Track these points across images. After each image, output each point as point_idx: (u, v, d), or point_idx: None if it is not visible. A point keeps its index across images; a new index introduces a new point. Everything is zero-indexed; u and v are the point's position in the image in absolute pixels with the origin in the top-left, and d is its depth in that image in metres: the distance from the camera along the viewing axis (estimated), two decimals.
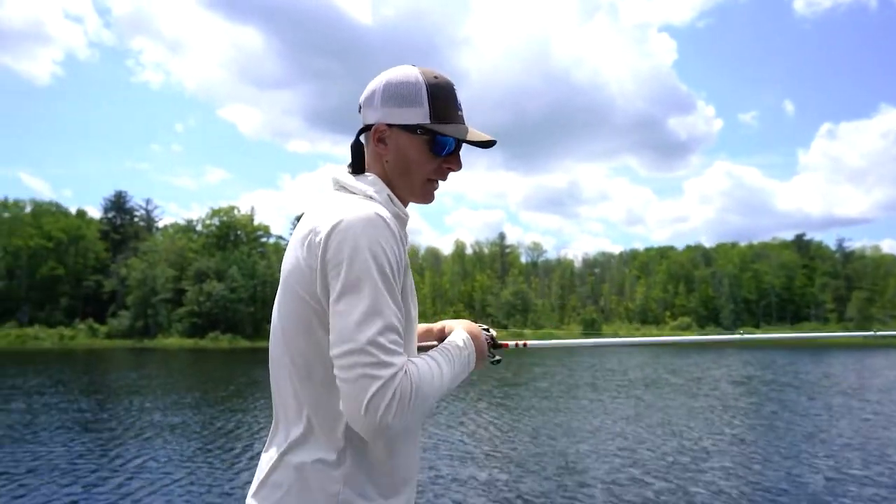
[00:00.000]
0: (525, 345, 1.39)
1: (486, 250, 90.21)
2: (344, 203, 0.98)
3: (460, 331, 1.14)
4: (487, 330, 1.27)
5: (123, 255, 61.17)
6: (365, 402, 0.86)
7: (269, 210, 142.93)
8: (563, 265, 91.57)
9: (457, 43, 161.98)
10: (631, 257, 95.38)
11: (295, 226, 1.10)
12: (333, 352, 0.91)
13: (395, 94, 1.07)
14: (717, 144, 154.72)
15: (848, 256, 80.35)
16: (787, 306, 78.42)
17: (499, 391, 16.65)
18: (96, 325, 55.57)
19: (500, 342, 1.29)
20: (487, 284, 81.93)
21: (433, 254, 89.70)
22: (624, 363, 30.23)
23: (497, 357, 1.27)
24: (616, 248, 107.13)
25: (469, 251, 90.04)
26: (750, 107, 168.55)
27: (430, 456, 8.32)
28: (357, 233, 0.92)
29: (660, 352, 42.31)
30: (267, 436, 1.08)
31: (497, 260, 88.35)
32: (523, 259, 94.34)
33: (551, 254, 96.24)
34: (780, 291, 78.19)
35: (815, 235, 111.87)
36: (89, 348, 47.84)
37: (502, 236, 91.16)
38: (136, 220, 70.60)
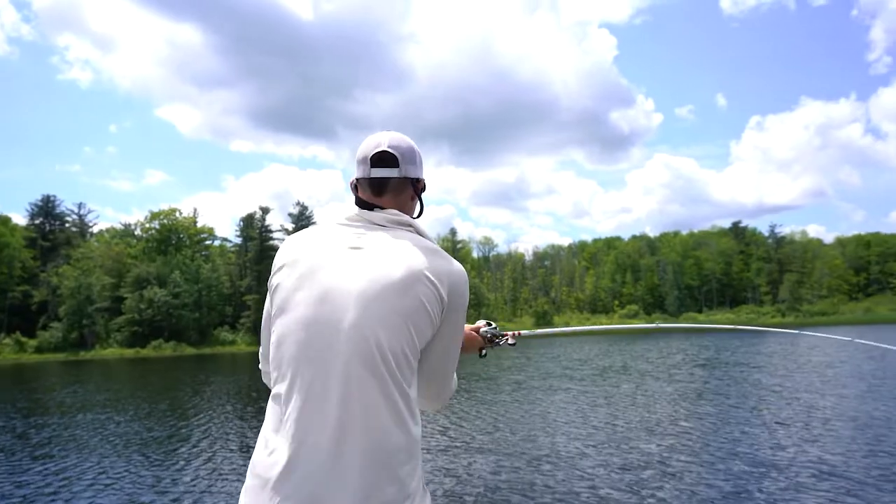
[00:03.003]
0: (520, 334, 1.75)
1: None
2: (440, 252, 1.25)
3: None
4: (490, 324, 1.66)
5: (54, 263, 57.38)
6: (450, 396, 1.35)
7: (213, 212, 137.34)
8: (514, 259, 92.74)
9: (402, 39, 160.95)
10: (580, 249, 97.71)
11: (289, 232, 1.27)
12: (437, 365, 1.24)
13: (422, 158, 1.37)
14: (657, 137, 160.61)
15: (779, 242, 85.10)
16: (727, 291, 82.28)
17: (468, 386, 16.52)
18: (24, 339, 51.75)
19: (502, 332, 1.67)
20: None
21: None
22: (585, 352, 30.82)
23: (484, 352, 1.62)
24: (565, 241, 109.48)
25: None
26: (686, 101, 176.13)
27: None
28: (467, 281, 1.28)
29: (613, 339, 43.42)
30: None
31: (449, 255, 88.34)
32: (475, 254, 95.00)
33: (502, 248, 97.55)
34: (720, 277, 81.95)
35: (749, 222, 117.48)
36: (16, 363, 44.78)
37: (453, 232, 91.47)
38: (67, 225, 66.43)
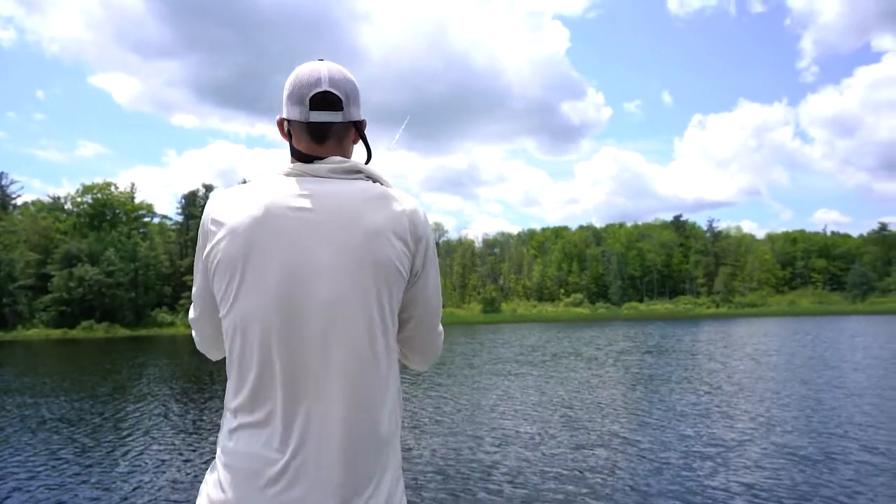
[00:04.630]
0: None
1: None
2: (401, 193, 1.18)
3: None
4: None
5: None
6: (442, 338, 1.27)
7: (152, 187, 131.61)
8: (464, 245, 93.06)
9: (356, 17, 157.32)
10: (528, 237, 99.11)
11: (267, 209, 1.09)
12: (425, 310, 1.17)
13: (360, 96, 1.21)
14: (606, 130, 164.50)
15: (717, 236, 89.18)
16: (667, 282, 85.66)
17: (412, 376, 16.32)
18: None
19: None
20: None
21: None
22: (536, 338, 31.21)
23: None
24: (514, 229, 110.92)
25: None
26: (634, 95, 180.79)
27: None
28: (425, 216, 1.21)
29: (561, 327, 44.29)
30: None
31: None
32: None
33: (452, 234, 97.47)
34: (661, 268, 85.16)
35: (689, 217, 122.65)
36: None
37: None
38: None
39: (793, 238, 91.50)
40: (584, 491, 5.64)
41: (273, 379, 1.04)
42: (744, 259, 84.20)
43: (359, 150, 1.23)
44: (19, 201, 64.23)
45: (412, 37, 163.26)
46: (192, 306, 1.21)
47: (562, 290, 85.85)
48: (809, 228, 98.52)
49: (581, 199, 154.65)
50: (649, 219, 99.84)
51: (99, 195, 62.25)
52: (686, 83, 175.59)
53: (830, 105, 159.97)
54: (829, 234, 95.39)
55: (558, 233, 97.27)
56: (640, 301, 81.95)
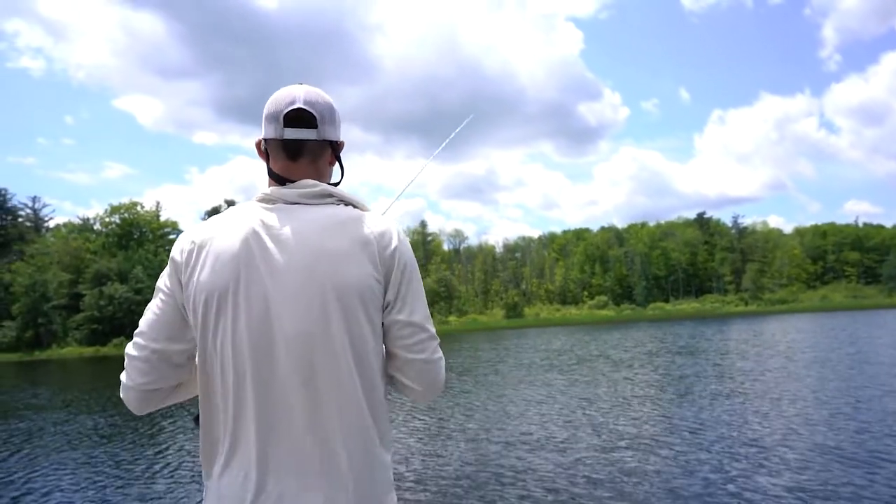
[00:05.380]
0: None
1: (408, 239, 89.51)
2: (373, 216, 1.15)
3: None
4: None
5: (6, 259, 54.76)
6: (443, 371, 1.17)
7: (177, 205, 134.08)
8: (484, 251, 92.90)
9: (368, 29, 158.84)
10: (549, 240, 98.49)
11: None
12: (412, 339, 1.11)
13: (339, 116, 1.23)
14: (624, 130, 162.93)
15: (742, 232, 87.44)
16: (692, 280, 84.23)
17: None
18: None
19: None
20: None
21: None
22: (561, 342, 30.93)
23: None
24: (535, 233, 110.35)
25: None
26: (651, 94, 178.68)
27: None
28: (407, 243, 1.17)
29: (587, 330, 43.86)
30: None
31: (419, 248, 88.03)
32: (446, 246, 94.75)
33: (473, 240, 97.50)
34: (686, 267, 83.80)
35: (713, 213, 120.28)
36: None
37: (424, 224, 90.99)
38: (20, 220, 63.45)
39: (822, 231, 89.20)
40: (619, 496, 5.55)
41: (247, 417, 1.03)
42: (772, 255, 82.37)
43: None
44: (51, 224, 66.27)
45: (425, 45, 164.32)
46: (137, 337, 1.13)
47: (585, 293, 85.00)
48: (839, 220, 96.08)
49: (601, 201, 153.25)
50: (671, 217, 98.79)
51: (126, 215, 63.79)
52: (703, 79, 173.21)
53: (856, 93, 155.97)
54: (860, 225, 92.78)
55: (580, 235, 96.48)
56: (666, 301, 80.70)
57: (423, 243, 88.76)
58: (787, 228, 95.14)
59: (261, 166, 1.23)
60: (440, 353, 1.16)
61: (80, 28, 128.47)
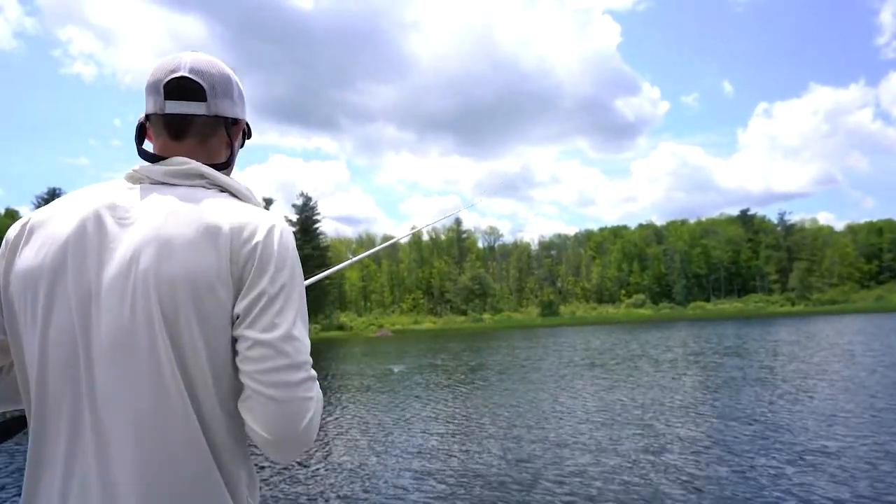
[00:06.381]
0: None
1: (442, 237, 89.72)
2: (243, 205, 0.93)
3: None
4: None
5: None
6: (307, 417, 0.84)
7: None
8: (519, 248, 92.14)
9: (404, 27, 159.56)
10: (586, 238, 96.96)
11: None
12: (261, 365, 0.82)
13: (241, 91, 1.05)
14: (663, 125, 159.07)
15: (789, 229, 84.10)
16: (735, 279, 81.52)
17: (483, 378, 15.99)
18: None
19: None
20: (445, 270, 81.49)
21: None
22: (601, 341, 30.29)
23: None
24: (571, 230, 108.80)
25: (425, 238, 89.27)
26: (691, 88, 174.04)
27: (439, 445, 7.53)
28: (292, 239, 0.92)
29: (625, 329, 42.87)
30: None
31: (454, 245, 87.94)
32: (480, 244, 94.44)
33: (507, 238, 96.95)
34: (728, 265, 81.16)
35: (757, 210, 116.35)
36: None
37: (458, 222, 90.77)
38: None
39: (878, 228, 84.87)
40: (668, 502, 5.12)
41: (57, 430, 0.82)
42: (821, 253, 79.00)
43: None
44: None
45: (459, 42, 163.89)
46: None
47: (622, 291, 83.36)
48: None
49: (639, 197, 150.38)
50: (713, 214, 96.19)
51: None
52: (748, 71, 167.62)
53: None
54: None
55: (617, 232, 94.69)
56: (707, 300, 78.40)
57: (458, 241, 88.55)
58: (839, 225, 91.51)
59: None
60: (308, 392, 0.84)
61: (127, 33, 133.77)
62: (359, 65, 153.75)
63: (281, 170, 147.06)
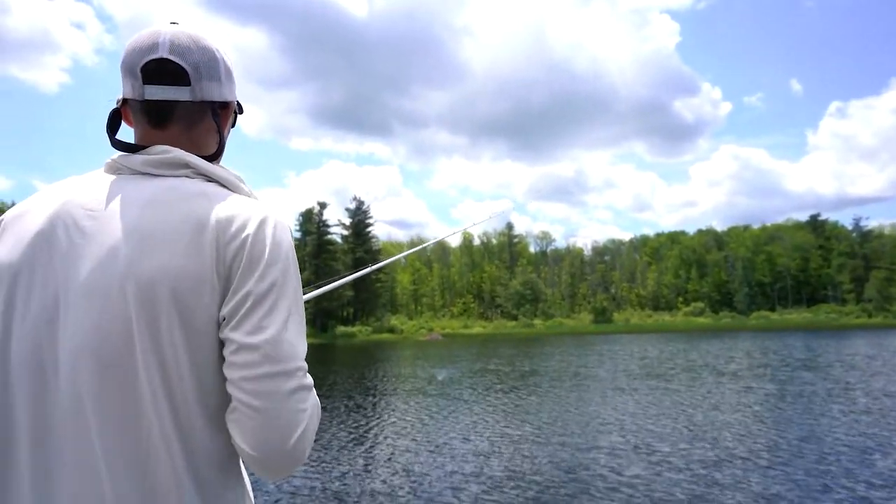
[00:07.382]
0: None
1: (494, 241, 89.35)
2: (233, 196, 0.84)
3: None
4: None
5: None
6: (298, 431, 0.74)
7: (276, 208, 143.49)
8: (572, 253, 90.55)
9: (456, 32, 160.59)
10: (641, 243, 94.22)
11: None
12: (246, 372, 0.73)
13: (230, 68, 0.93)
14: (725, 127, 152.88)
15: (865, 236, 78.66)
16: (803, 288, 77.07)
17: (541, 384, 15.70)
18: None
19: None
20: (496, 275, 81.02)
21: (441, 246, 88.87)
22: (658, 350, 29.30)
23: None
24: (626, 235, 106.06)
25: (477, 242, 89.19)
26: (755, 88, 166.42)
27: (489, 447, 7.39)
28: (286, 233, 0.84)
29: (677, 337, 41.28)
30: None
31: (505, 250, 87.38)
32: (532, 248, 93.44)
33: (560, 242, 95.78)
34: (796, 273, 76.83)
35: (829, 215, 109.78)
36: None
37: (510, 226, 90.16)
38: None
39: None
40: None
41: (19, 447, 0.74)
42: None
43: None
44: None
45: (512, 46, 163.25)
46: None
47: (680, 299, 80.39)
48: None
49: (699, 202, 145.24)
50: (779, 219, 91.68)
51: None
52: (819, 69, 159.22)
53: None
54: None
55: (674, 238, 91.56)
56: (772, 310, 74.44)
57: (509, 245, 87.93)
58: None
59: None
60: (300, 403, 0.75)
61: None
62: (412, 71, 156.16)
63: (335, 175, 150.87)
